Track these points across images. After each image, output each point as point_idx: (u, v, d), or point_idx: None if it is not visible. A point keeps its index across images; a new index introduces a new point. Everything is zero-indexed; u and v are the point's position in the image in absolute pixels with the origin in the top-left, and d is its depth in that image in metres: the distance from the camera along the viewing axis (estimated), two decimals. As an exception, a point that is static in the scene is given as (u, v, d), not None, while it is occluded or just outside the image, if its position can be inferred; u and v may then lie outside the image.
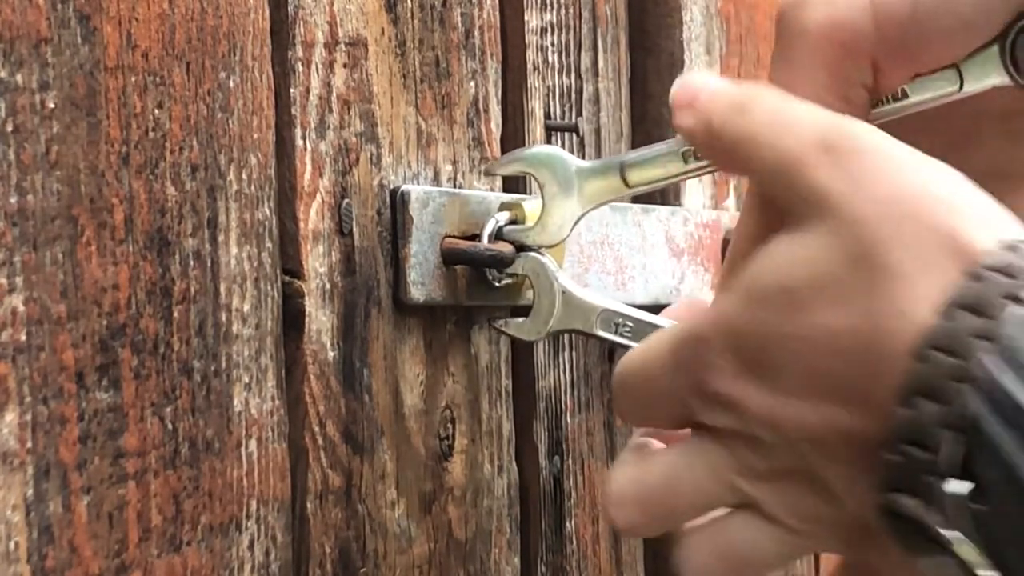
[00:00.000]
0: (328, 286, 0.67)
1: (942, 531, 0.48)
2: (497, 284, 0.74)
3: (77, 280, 0.53)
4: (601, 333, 0.71)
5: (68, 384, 0.53)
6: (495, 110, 0.80)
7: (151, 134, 0.57)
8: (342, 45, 0.69)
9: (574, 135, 0.87)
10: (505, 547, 0.80)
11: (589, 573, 0.87)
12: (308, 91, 0.66)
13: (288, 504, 0.64)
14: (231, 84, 0.62)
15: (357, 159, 0.69)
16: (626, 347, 0.69)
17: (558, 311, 0.72)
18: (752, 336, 0.53)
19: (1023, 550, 0.46)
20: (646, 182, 0.66)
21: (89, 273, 0.54)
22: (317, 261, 0.66)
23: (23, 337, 0.51)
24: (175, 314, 0.58)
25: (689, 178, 0.68)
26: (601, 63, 0.91)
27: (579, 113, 0.89)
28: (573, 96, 0.88)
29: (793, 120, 0.54)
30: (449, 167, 0.76)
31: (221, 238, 0.61)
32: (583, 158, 0.82)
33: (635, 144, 0.95)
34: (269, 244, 0.64)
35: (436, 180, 0.75)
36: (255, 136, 0.63)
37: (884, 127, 0.53)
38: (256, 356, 0.63)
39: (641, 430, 0.61)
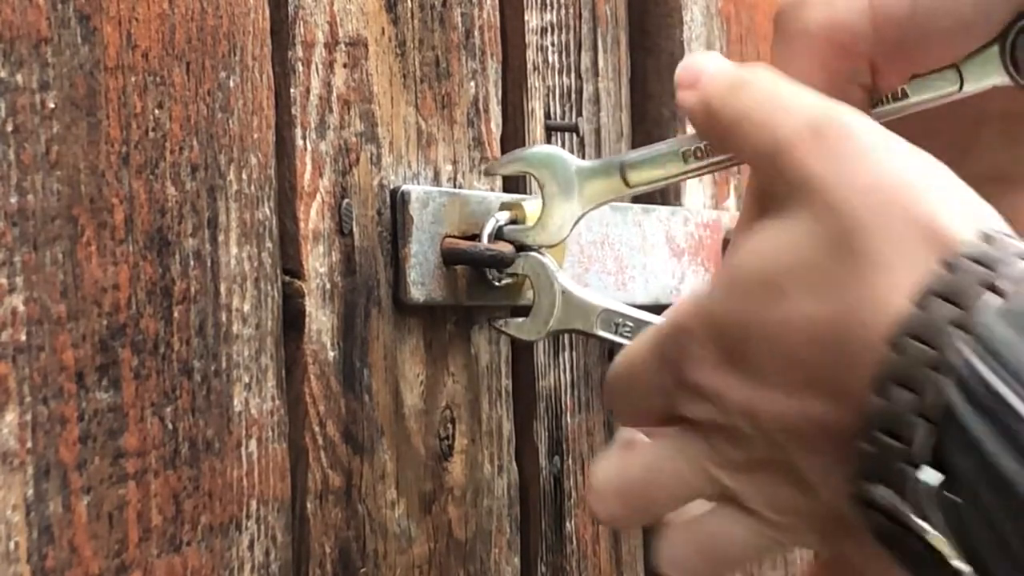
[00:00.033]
0: (328, 286, 0.67)
1: (916, 521, 0.48)
2: (497, 284, 0.74)
3: (77, 280, 0.53)
4: (601, 333, 0.71)
5: (68, 384, 0.53)
6: (495, 110, 0.80)
7: (151, 134, 0.57)
8: (342, 45, 0.69)
9: (574, 135, 0.87)
10: (505, 547, 0.80)
11: (589, 573, 0.87)
12: (308, 91, 0.66)
13: (288, 504, 0.64)
14: (231, 84, 0.62)
15: (357, 159, 0.69)
16: None
17: (558, 311, 0.72)
18: (732, 325, 0.53)
19: (996, 541, 0.46)
20: (646, 182, 0.66)
21: (89, 273, 0.54)
22: (317, 261, 0.66)
23: (23, 337, 0.51)
24: (175, 314, 0.58)
25: (689, 178, 0.68)
26: (601, 63, 0.91)
27: (579, 113, 0.89)
28: (573, 96, 0.88)
29: (786, 102, 0.54)
30: (449, 167, 0.76)
31: (221, 238, 0.61)
32: (583, 158, 0.82)
33: (635, 144, 0.95)
34: (269, 244, 0.64)
35: (436, 180, 0.75)
36: (255, 136, 0.63)
37: (885, 127, 0.53)
38: (256, 356, 0.63)
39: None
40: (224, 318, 0.61)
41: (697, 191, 1.02)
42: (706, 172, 0.65)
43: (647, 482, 0.57)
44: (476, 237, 0.73)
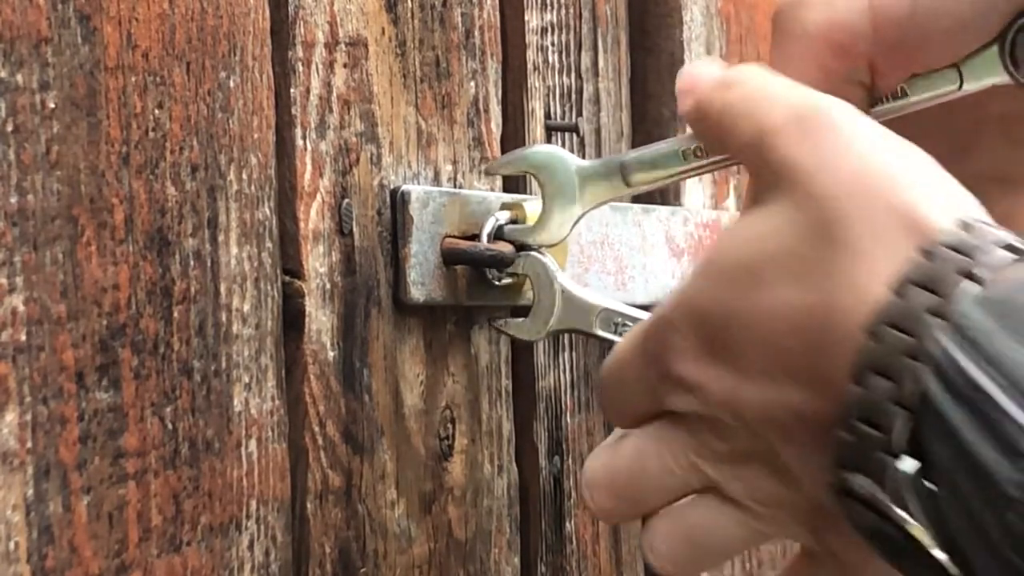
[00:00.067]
0: (328, 286, 0.67)
1: (894, 510, 0.48)
2: (497, 284, 0.74)
3: (77, 280, 0.53)
4: (601, 333, 0.71)
5: (68, 384, 0.53)
6: (495, 110, 0.80)
7: (151, 134, 0.57)
8: (342, 45, 0.69)
9: (574, 135, 0.87)
10: (505, 547, 0.80)
11: (589, 573, 0.87)
12: (308, 91, 0.66)
13: (288, 504, 0.64)
14: (231, 84, 0.62)
15: (357, 159, 0.69)
16: None
17: (558, 311, 0.72)
18: (713, 315, 0.53)
19: (974, 530, 0.46)
20: (647, 182, 0.67)
21: (89, 273, 0.54)
22: (317, 261, 0.66)
23: (23, 337, 0.51)
24: (175, 314, 0.58)
25: (689, 177, 0.68)
26: (601, 63, 0.91)
27: (579, 113, 0.89)
28: (573, 96, 0.88)
29: (772, 95, 0.54)
30: (449, 167, 0.76)
31: (221, 238, 0.61)
32: (583, 158, 0.82)
33: (635, 144, 0.95)
34: (269, 244, 0.64)
35: (436, 180, 0.75)
36: (255, 136, 0.63)
37: (882, 125, 0.54)
38: (256, 356, 0.63)
39: None
40: (224, 318, 0.61)
41: (697, 191, 1.02)
42: (706, 171, 0.65)
43: (634, 474, 0.57)
44: (476, 237, 0.73)
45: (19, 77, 0.51)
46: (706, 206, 1.03)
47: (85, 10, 0.54)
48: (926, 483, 0.47)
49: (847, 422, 0.49)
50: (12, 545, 0.50)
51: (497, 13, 0.80)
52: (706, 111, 0.57)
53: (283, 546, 0.64)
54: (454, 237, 0.73)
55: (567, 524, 0.85)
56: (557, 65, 0.86)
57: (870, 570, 0.55)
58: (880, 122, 0.53)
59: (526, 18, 0.83)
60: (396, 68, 0.72)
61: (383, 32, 0.71)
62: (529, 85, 0.83)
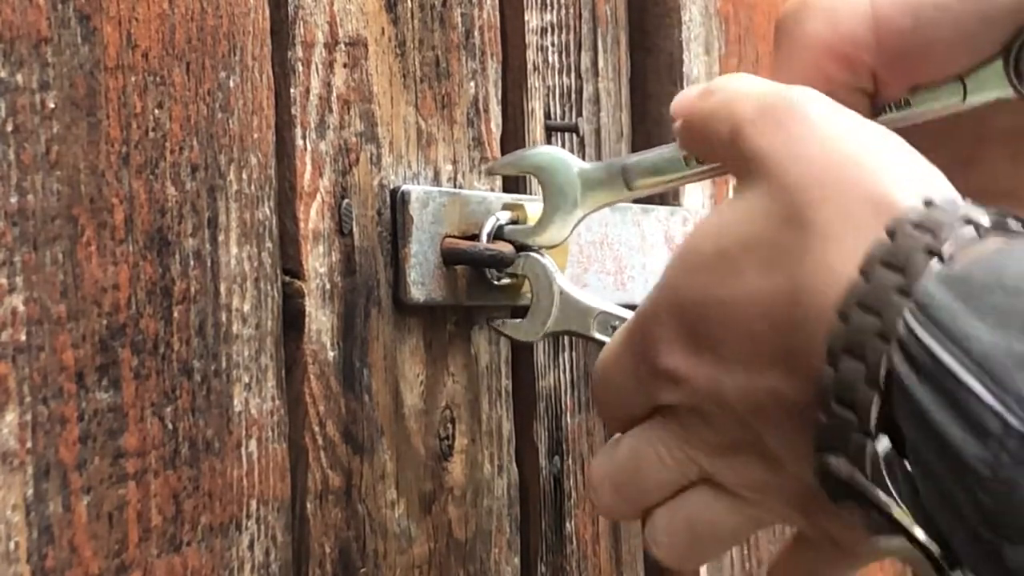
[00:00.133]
0: (328, 286, 0.67)
1: (873, 491, 0.48)
2: (496, 283, 0.74)
3: (77, 280, 0.53)
4: (598, 335, 0.71)
5: (68, 384, 0.53)
6: (495, 110, 0.80)
7: (151, 134, 0.57)
8: (342, 45, 0.69)
9: (574, 135, 0.87)
10: (505, 547, 0.80)
11: (589, 573, 0.87)
12: (308, 91, 0.66)
13: (288, 504, 0.64)
14: (231, 84, 0.62)
15: (357, 159, 0.69)
16: None
17: (556, 312, 0.72)
18: (692, 305, 0.54)
19: (949, 509, 0.46)
20: (648, 186, 0.67)
21: (89, 273, 0.54)
22: (317, 261, 0.66)
23: (23, 337, 0.51)
24: (175, 314, 0.58)
25: (691, 182, 0.68)
26: (601, 63, 0.91)
27: (579, 113, 0.89)
28: (573, 96, 0.88)
29: (745, 94, 0.55)
30: (449, 167, 0.76)
31: (221, 238, 0.61)
32: (583, 158, 0.82)
33: (635, 144, 0.95)
34: (269, 244, 0.64)
35: (436, 180, 0.75)
36: (255, 136, 0.63)
37: None
38: (256, 356, 0.63)
39: None
40: (224, 318, 0.61)
41: (696, 191, 1.02)
42: (708, 177, 0.65)
43: (633, 470, 0.58)
44: (476, 237, 0.73)
45: (19, 77, 0.51)
46: (705, 206, 1.03)
47: (85, 10, 0.54)
48: (904, 463, 0.47)
49: (824, 404, 0.49)
50: (12, 545, 0.50)
51: (497, 13, 0.80)
52: (689, 120, 0.58)
53: (283, 546, 0.64)
54: (454, 237, 0.73)
55: (567, 524, 0.85)
56: (557, 65, 0.86)
57: (863, 549, 0.56)
58: None
59: (526, 18, 0.83)
60: (396, 68, 0.72)
61: (383, 32, 0.71)
62: (529, 85, 0.83)
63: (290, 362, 0.65)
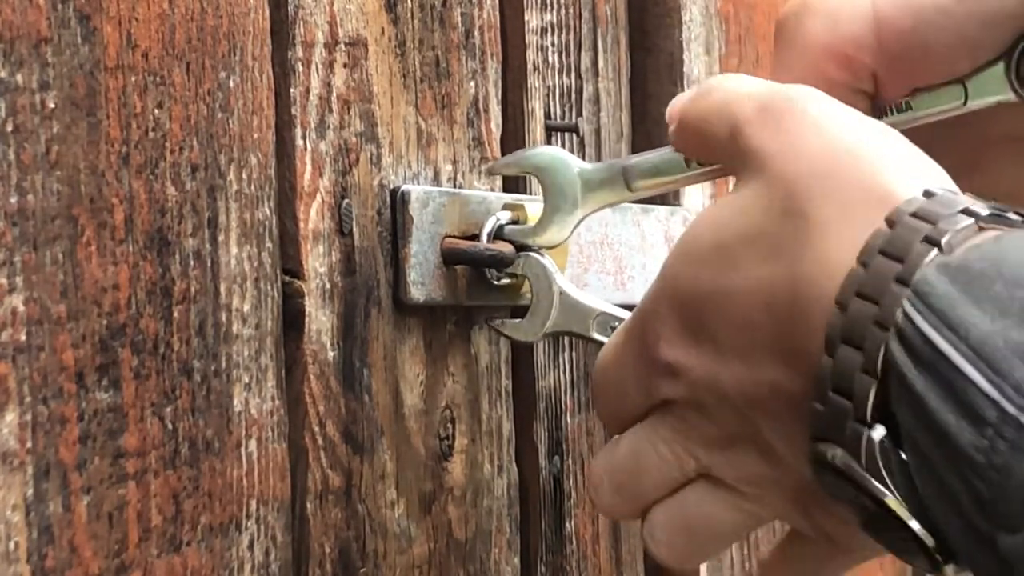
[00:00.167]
0: (328, 286, 0.67)
1: (869, 480, 0.48)
2: (496, 283, 0.74)
3: (77, 280, 0.53)
4: (597, 336, 0.71)
5: (68, 384, 0.53)
6: (495, 110, 0.80)
7: (151, 134, 0.57)
8: (342, 45, 0.69)
9: (574, 135, 0.87)
10: (505, 547, 0.80)
11: (589, 573, 0.87)
12: (308, 91, 0.66)
13: (288, 504, 0.64)
14: (231, 84, 0.62)
15: (357, 159, 0.69)
16: None
17: (555, 313, 0.72)
18: (690, 297, 0.54)
19: (944, 498, 0.46)
20: (649, 187, 0.67)
21: (89, 273, 0.54)
22: (317, 261, 0.66)
23: (23, 337, 0.51)
24: (175, 314, 0.58)
25: (692, 184, 0.68)
26: (601, 63, 0.91)
27: (579, 113, 0.89)
28: (573, 96, 0.88)
29: (744, 94, 0.55)
30: (449, 167, 0.76)
31: (221, 238, 0.61)
32: (583, 158, 0.82)
33: (635, 144, 0.95)
34: (269, 244, 0.64)
35: (436, 180, 0.75)
36: (255, 136, 0.63)
37: None
38: (256, 356, 0.63)
39: None
40: (224, 318, 0.61)
41: (696, 192, 1.02)
42: (708, 178, 0.65)
43: (633, 468, 0.58)
44: (476, 237, 0.73)
45: (19, 77, 0.51)
46: (705, 206, 1.03)
47: (85, 10, 0.54)
48: (900, 452, 0.47)
49: (820, 393, 0.49)
50: (12, 545, 0.50)
51: (497, 13, 0.80)
52: (684, 122, 0.58)
53: (283, 546, 0.64)
54: (454, 237, 0.73)
55: (567, 524, 0.85)
56: (557, 65, 0.86)
57: (857, 546, 0.56)
58: None
59: (526, 18, 0.83)
60: (396, 68, 0.72)
61: (383, 32, 0.71)
62: (529, 85, 0.83)
63: (290, 362, 0.65)
